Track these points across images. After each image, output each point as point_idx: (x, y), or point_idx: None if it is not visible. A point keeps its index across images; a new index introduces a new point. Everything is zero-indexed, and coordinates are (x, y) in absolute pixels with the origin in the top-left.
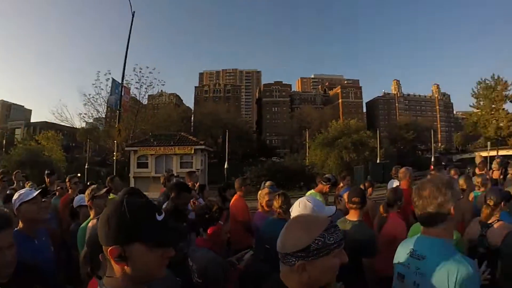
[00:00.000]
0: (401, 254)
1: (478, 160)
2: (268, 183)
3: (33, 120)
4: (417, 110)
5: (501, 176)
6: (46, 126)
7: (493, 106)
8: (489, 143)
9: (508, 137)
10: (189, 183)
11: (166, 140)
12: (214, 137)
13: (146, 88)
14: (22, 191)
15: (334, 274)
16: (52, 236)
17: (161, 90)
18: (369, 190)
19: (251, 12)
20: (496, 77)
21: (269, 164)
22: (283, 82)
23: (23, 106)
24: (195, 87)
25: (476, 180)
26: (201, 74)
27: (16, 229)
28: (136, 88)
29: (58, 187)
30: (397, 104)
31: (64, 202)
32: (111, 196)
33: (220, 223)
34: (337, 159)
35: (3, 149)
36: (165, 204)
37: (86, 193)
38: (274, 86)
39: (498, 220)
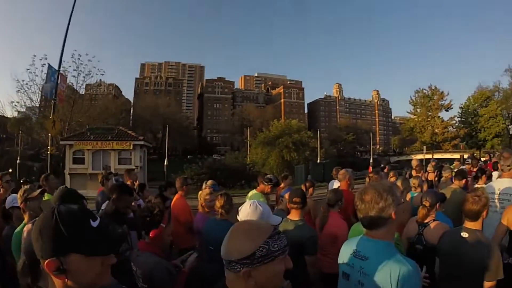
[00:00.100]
0: (345, 254)
1: (414, 164)
2: (209, 182)
3: None
4: (357, 113)
5: (436, 179)
6: None
7: (430, 113)
8: (424, 147)
9: (443, 142)
10: (128, 182)
11: (103, 135)
12: (154, 132)
13: (84, 77)
14: None
15: (280, 280)
16: None
17: (100, 80)
18: (310, 190)
19: (198, 6)
20: (433, 87)
21: (209, 161)
22: (226, 79)
23: None
24: (136, 78)
25: (413, 181)
26: (142, 65)
27: None
28: (74, 76)
29: None
30: (338, 107)
31: None
32: (46, 196)
33: (162, 225)
34: (278, 158)
35: None
36: (104, 204)
37: (19, 194)
38: (217, 82)
39: (434, 220)
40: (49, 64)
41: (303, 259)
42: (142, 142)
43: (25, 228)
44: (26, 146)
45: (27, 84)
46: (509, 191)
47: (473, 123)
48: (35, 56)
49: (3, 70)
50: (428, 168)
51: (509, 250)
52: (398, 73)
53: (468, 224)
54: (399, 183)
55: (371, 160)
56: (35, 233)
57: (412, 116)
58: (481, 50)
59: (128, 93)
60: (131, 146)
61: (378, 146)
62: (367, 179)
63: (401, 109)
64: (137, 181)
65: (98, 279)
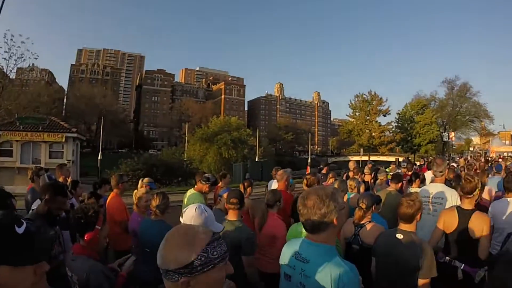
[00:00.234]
0: (287, 255)
1: (351, 166)
2: (146, 179)
3: None
4: (297, 113)
5: (372, 180)
6: None
7: (368, 118)
8: (361, 149)
9: (379, 145)
10: (60, 178)
11: (34, 125)
12: (88, 123)
13: (16, 60)
14: None
15: (221, 286)
16: None
17: (33, 64)
18: (249, 189)
19: None
20: (373, 93)
21: (146, 157)
22: (167, 71)
23: None
24: (72, 64)
25: (350, 183)
26: (79, 51)
27: None
28: (4, 58)
29: None
30: (278, 106)
31: None
32: None
33: (97, 227)
34: (216, 156)
35: None
36: (35, 203)
37: None
38: (157, 74)
39: (370, 221)
40: None
41: (241, 259)
42: (75, 135)
43: None
44: None
45: None
46: (441, 195)
47: (409, 129)
48: None
49: None
50: (365, 170)
51: (444, 250)
52: (340, 77)
53: (403, 226)
54: (336, 184)
55: (309, 160)
56: None
57: (351, 119)
58: (421, 61)
59: (63, 80)
60: (64, 138)
61: (316, 147)
62: (304, 181)
63: (340, 112)
64: (70, 177)
65: None
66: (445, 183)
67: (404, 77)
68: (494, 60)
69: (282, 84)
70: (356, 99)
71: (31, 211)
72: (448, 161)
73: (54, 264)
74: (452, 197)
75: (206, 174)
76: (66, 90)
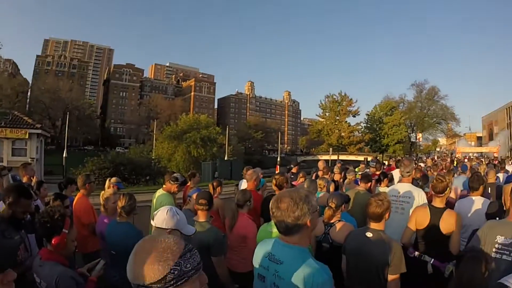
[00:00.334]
0: (260, 256)
1: (321, 166)
2: (113, 179)
3: None
4: (267, 112)
5: (341, 180)
6: None
7: (337, 118)
8: (331, 149)
9: (348, 145)
10: (25, 178)
11: None
12: (53, 119)
13: None
14: None
15: None
16: None
17: None
18: (218, 189)
19: None
20: (343, 94)
21: (113, 155)
22: (136, 66)
23: None
24: (37, 56)
25: (319, 182)
26: (46, 41)
27: None
28: None
29: None
30: (248, 105)
31: None
32: None
33: (64, 231)
34: (184, 154)
35: None
36: None
37: None
38: (126, 69)
39: (339, 220)
40: None
41: (211, 260)
42: (39, 131)
43: None
44: None
45: None
46: (409, 194)
47: (377, 129)
48: None
49: None
50: (335, 170)
51: (414, 246)
52: (311, 77)
53: (372, 225)
54: (306, 184)
55: (278, 159)
56: None
57: (320, 119)
58: (390, 65)
59: (27, 72)
60: (27, 134)
61: (286, 146)
62: (273, 181)
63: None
64: (35, 177)
65: None
66: (412, 183)
67: (374, 79)
68: (462, 65)
69: (253, 83)
70: (327, 99)
71: None
72: (415, 161)
73: (21, 270)
74: (419, 196)
75: (175, 174)
76: (30, 83)
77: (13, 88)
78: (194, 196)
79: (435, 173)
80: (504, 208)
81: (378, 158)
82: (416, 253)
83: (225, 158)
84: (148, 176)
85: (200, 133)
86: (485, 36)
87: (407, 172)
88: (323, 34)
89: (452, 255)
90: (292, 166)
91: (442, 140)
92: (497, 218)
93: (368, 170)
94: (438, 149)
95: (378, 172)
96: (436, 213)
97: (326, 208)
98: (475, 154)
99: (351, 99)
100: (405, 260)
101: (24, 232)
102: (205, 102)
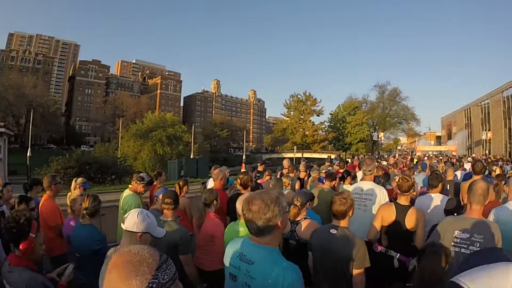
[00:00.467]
0: (231, 256)
1: (286, 164)
2: (79, 179)
3: None
4: (233, 110)
5: (307, 178)
6: None
7: (302, 117)
8: (295, 147)
9: (312, 143)
10: None
11: None
12: (16, 116)
13: None
14: None
15: None
16: None
17: None
18: (184, 188)
19: None
20: (307, 94)
21: (78, 154)
22: (102, 63)
23: None
24: (1, 50)
25: (284, 180)
26: (11, 35)
27: None
28: None
29: None
30: (214, 103)
31: None
32: None
33: (31, 235)
34: (150, 152)
35: None
36: None
37: None
38: (91, 65)
39: (305, 218)
40: None
41: (179, 259)
42: (3, 129)
43: None
44: None
45: None
46: (371, 192)
47: (341, 128)
48: None
49: None
50: (300, 168)
51: (379, 241)
52: (276, 77)
53: (336, 222)
54: (272, 183)
55: (244, 157)
56: None
57: (285, 118)
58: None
59: None
60: None
61: (251, 144)
62: (238, 180)
63: (275, 110)
64: (1, 179)
65: None
66: (374, 180)
67: (338, 80)
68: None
69: (219, 81)
70: (291, 99)
71: None
72: (377, 159)
73: None
74: (381, 194)
75: (141, 174)
76: None
77: None
78: (161, 196)
79: (396, 171)
80: (462, 204)
81: (341, 156)
82: (381, 248)
83: (191, 157)
84: (114, 175)
85: (166, 131)
86: (445, 40)
87: (369, 171)
88: (288, 34)
89: (415, 250)
90: (258, 164)
91: (403, 139)
92: (455, 214)
93: (330, 168)
94: (399, 147)
95: (341, 170)
96: (401, 211)
97: (292, 206)
98: (434, 153)
99: (315, 99)
100: (371, 255)
101: None
102: (171, 100)
